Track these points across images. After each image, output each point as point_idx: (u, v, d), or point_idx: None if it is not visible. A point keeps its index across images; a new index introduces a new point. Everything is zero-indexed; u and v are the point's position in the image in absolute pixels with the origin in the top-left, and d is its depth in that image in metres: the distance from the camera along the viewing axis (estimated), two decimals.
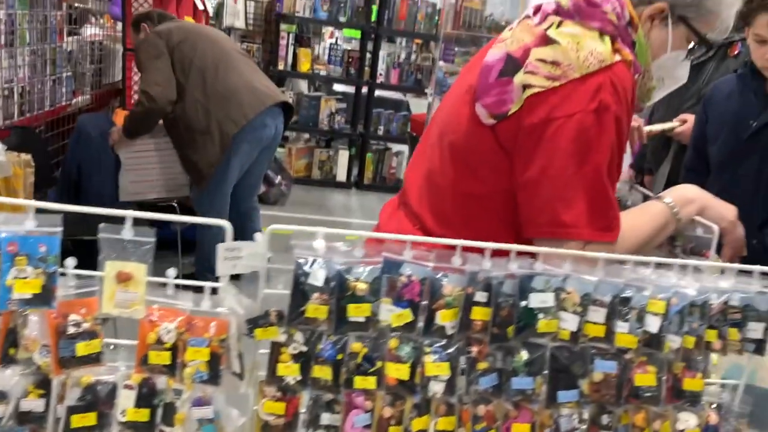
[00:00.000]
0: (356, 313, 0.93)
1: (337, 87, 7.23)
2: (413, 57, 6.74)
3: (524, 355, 0.98)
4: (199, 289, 0.92)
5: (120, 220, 0.89)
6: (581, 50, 1.14)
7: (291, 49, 6.14)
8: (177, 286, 0.93)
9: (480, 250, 0.97)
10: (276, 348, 0.94)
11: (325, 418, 0.97)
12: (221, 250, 0.89)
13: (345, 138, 6.60)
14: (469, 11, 5.72)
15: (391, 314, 0.93)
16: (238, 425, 0.99)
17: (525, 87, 1.15)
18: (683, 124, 2.72)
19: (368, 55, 6.47)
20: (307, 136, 6.67)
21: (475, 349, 0.98)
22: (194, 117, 3.44)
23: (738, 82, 2.39)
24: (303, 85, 7.24)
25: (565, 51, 1.14)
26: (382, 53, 6.57)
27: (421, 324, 0.95)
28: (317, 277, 0.90)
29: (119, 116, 4.29)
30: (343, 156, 6.44)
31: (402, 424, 0.98)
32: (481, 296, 0.95)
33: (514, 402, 1.00)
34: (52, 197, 3.54)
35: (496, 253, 0.98)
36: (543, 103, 1.14)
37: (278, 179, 5.52)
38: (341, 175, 6.46)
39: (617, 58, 1.16)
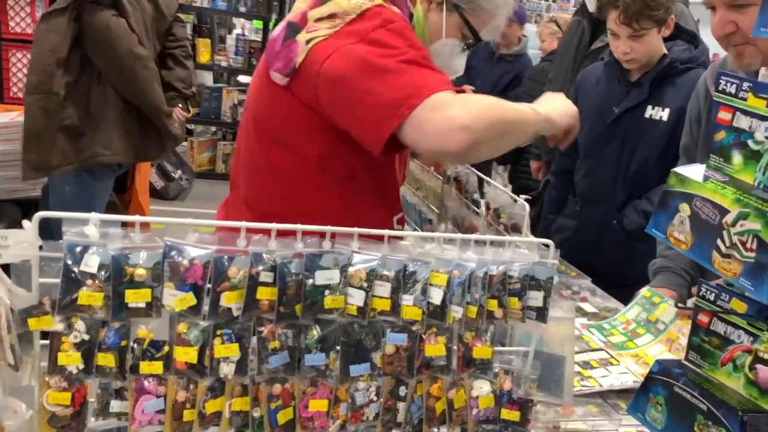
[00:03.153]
0: (135, 298, 0.92)
1: (243, 78, 7.11)
2: None
3: (316, 332, 1.00)
4: None
5: None
6: None
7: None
8: None
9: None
10: (56, 337, 0.92)
11: (115, 405, 0.97)
12: None
13: None
14: None
15: (173, 299, 0.93)
16: (26, 419, 0.97)
17: (308, 41, 1.21)
18: None
19: None
20: (213, 129, 6.54)
21: (265, 329, 0.99)
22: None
23: (605, 70, 2.50)
24: (207, 78, 7.08)
25: (338, 3, 1.22)
26: None
27: (206, 307, 0.95)
28: (89, 263, 0.89)
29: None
30: None
31: (196, 407, 0.98)
32: (266, 276, 0.96)
33: (311, 379, 1.02)
34: None
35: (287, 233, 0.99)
36: (327, 45, 1.19)
37: (178, 173, 5.39)
38: None
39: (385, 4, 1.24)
